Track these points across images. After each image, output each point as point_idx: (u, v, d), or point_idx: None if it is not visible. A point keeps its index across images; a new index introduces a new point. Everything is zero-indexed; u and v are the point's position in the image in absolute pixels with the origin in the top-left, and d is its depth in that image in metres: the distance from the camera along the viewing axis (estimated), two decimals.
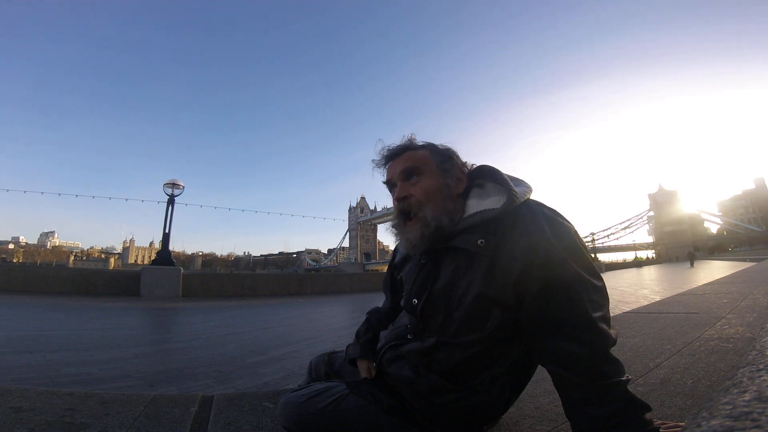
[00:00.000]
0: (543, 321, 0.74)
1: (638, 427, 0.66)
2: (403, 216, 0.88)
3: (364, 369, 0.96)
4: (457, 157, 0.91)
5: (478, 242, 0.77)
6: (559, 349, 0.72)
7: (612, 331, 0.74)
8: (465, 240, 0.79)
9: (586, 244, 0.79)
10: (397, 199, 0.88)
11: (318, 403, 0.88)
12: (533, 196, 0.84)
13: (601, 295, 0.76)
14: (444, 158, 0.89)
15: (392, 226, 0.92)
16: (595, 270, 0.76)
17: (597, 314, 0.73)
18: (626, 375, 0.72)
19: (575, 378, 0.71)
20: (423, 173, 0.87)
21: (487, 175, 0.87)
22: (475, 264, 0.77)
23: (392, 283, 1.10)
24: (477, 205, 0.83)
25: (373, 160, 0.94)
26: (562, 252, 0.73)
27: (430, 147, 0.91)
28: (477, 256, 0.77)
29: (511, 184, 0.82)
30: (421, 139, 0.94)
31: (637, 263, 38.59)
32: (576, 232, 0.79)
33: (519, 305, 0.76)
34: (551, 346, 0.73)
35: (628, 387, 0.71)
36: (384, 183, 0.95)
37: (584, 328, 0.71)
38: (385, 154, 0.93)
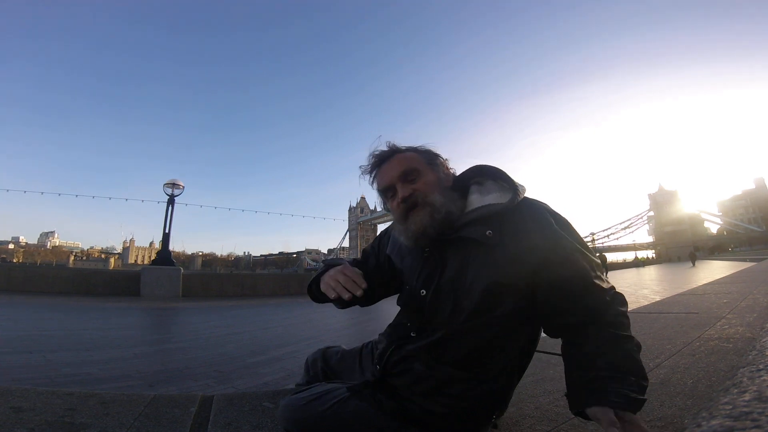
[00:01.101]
0: (555, 306, 0.80)
1: (632, 385, 0.68)
2: (408, 209, 0.88)
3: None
4: (440, 154, 0.95)
5: (486, 233, 0.80)
6: (570, 321, 0.79)
7: (611, 285, 0.82)
8: (473, 231, 0.82)
9: (587, 244, 0.86)
10: (403, 199, 0.88)
11: (319, 406, 0.87)
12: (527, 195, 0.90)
13: (601, 272, 0.83)
14: (430, 156, 0.93)
15: (396, 222, 0.92)
16: (598, 263, 0.83)
17: (607, 297, 0.80)
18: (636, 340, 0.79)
19: (582, 328, 0.78)
20: (420, 172, 0.90)
21: (486, 173, 0.92)
22: (483, 254, 0.81)
23: (379, 250, 1.06)
24: (479, 200, 0.87)
25: (360, 166, 0.97)
26: (571, 243, 0.80)
27: (413, 148, 0.94)
28: (484, 247, 0.81)
29: (515, 181, 0.87)
30: (419, 140, 0.96)
31: (639, 263, 38.63)
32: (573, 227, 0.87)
33: (529, 293, 0.81)
34: (563, 321, 0.80)
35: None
36: (379, 191, 0.95)
37: (596, 306, 0.78)
38: (373, 161, 0.94)
